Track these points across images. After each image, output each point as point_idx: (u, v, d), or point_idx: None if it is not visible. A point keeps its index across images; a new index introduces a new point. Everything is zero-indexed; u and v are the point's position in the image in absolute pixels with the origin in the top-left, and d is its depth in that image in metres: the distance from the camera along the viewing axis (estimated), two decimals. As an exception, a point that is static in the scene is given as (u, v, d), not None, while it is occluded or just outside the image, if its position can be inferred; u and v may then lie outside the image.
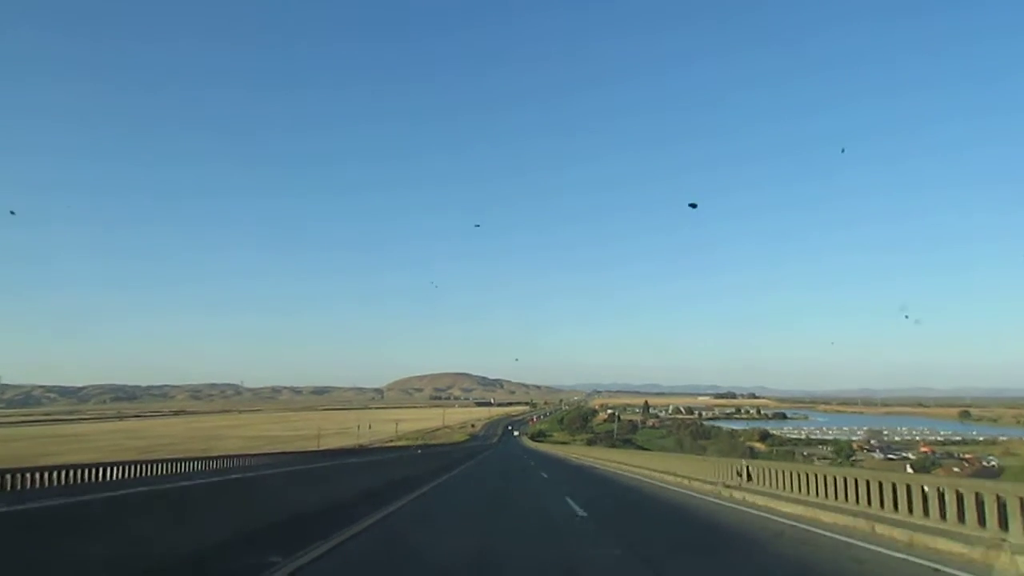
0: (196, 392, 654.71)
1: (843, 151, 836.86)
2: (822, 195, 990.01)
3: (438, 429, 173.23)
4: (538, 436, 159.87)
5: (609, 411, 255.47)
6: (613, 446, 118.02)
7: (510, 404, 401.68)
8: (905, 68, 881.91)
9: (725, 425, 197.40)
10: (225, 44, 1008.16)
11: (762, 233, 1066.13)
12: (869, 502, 11.03)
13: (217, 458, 32.93)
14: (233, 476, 14.95)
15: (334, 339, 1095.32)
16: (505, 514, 14.64)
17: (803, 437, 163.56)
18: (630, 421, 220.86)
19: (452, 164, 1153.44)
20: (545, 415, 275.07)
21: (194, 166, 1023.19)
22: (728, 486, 17.60)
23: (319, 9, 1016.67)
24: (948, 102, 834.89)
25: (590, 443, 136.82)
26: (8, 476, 18.41)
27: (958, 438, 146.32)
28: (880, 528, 10.27)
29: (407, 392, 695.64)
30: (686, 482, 21.53)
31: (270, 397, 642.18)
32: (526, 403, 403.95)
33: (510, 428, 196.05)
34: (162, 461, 26.97)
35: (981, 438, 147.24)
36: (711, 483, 19.11)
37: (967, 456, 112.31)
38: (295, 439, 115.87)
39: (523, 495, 19.93)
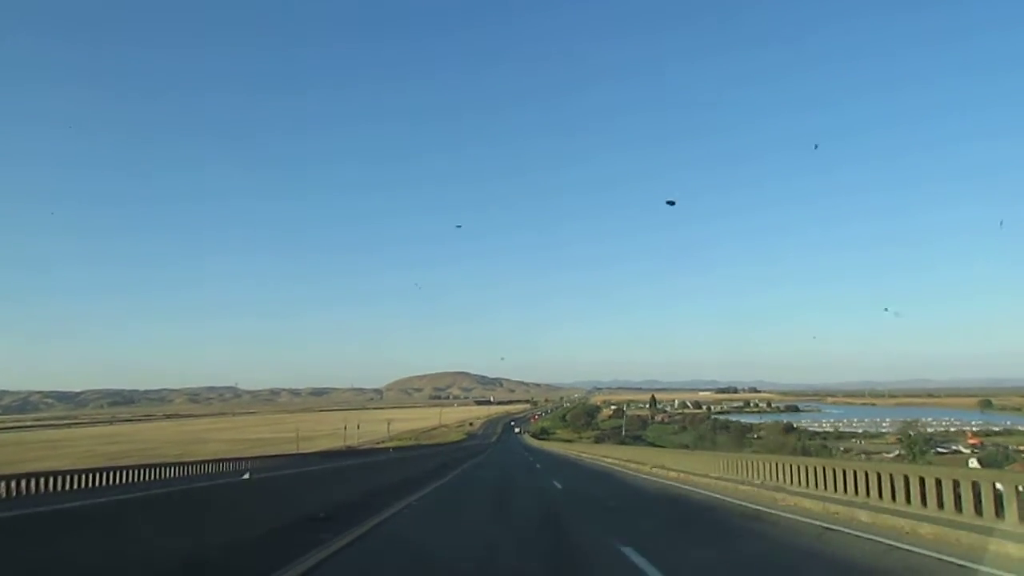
0: (194, 395, 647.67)
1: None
2: (821, 190, 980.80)
3: (434, 428, 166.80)
4: (541, 434, 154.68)
5: (614, 407, 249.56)
6: (622, 443, 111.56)
7: (510, 402, 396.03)
8: (903, 63, 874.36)
9: (736, 419, 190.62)
10: (224, 48, 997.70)
11: (760, 229, 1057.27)
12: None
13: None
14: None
15: (333, 340, 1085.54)
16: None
17: (832, 431, 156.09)
18: (638, 416, 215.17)
19: (451, 164, 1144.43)
20: (546, 412, 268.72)
21: (191, 171, 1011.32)
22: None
23: (318, 10, 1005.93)
24: (946, 96, 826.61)
25: (598, 440, 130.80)
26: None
27: (997, 428, 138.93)
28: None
29: (407, 392, 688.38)
30: (789, 500, 13.87)
31: (268, 399, 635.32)
32: (526, 401, 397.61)
33: (512, 424, 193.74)
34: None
35: (1022, 428, 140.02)
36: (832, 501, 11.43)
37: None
38: (281, 441, 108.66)
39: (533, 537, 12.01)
